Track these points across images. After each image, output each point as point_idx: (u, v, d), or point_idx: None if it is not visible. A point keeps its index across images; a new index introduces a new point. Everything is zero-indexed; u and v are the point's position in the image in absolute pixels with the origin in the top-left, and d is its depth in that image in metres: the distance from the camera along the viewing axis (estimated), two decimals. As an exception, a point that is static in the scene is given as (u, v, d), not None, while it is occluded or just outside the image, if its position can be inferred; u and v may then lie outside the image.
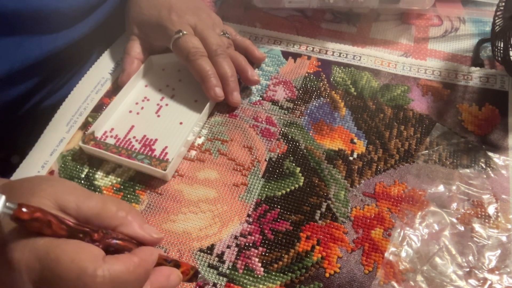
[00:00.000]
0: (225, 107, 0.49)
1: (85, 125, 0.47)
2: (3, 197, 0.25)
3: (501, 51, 0.48)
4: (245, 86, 0.51)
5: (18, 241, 0.26)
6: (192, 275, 0.33)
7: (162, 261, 0.31)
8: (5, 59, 0.42)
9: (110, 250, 0.29)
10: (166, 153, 0.44)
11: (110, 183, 0.43)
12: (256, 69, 0.53)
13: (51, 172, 0.44)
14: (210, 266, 0.37)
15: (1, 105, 0.45)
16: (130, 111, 0.48)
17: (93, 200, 0.30)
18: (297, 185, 0.42)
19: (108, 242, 0.29)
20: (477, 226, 0.39)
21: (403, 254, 0.37)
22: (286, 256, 0.38)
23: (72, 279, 0.25)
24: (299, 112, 0.48)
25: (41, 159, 0.44)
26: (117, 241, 0.29)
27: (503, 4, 0.48)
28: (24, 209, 0.25)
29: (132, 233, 0.30)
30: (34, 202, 0.27)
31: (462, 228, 0.39)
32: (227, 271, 0.37)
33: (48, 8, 0.43)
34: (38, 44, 0.44)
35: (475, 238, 0.38)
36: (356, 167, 0.44)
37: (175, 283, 0.31)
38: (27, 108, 0.48)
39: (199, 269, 0.36)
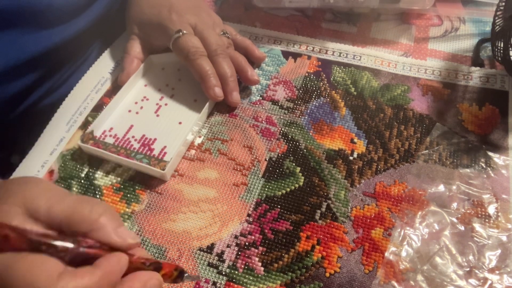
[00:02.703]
0: (225, 107, 0.49)
1: (85, 125, 0.47)
2: None
3: (501, 51, 0.48)
4: (245, 85, 0.51)
5: None
6: (176, 276, 0.31)
7: (140, 265, 0.29)
8: (1, 55, 0.42)
9: (79, 260, 0.27)
10: (165, 153, 0.44)
11: (110, 183, 0.43)
12: (256, 68, 0.53)
13: (51, 172, 0.44)
14: (210, 265, 0.37)
15: None
16: (130, 111, 0.48)
17: (65, 203, 0.28)
18: (297, 185, 0.42)
19: (75, 251, 0.27)
20: (477, 226, 0.39)
21: (403, 253, 0.37)
22: (286, 255, 0.38)
23: None
24: (299, 111, 0.48)
25: (41, 158, 0.44)
26: (85, 249, 0.27)
27: (503, 4, 0.48)
28: None
29: (103, 239, 0.28)
30: (3, 211, 0.26)
31: (462, 228, 0.39)
32: (227, 270, 0.37)
33: (42, 3, 0.43)
34: (34, 40, 0.44)
35: (475, 238, 0.38)
36: (356, 166, 0.44)
37: None
38: (26, 106, 0.48)
39: (185, 269, 0.33)
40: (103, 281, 0.26)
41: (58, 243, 0.26)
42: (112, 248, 0.28)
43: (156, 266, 0.30)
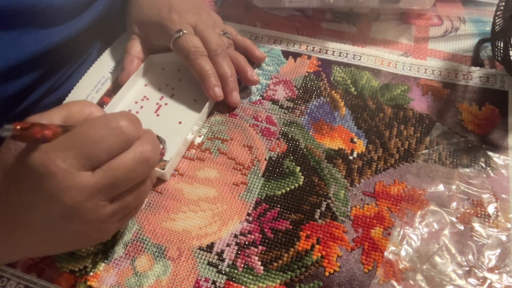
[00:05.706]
0: (225, 107, 0.49)
1: (85, 124, 0.47)
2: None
3: (501, 51, 0.48)
4: (245, 85, 0.51)
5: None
6: None
7: None
8: (1, 54, 0.42)
9: None
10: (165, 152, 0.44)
11: (110, 182, 0.43)
12: (257, 68, 0.53)
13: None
14: (210, 264, 0.37)
15: None
16: (130, 110, 0.48)
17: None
18: (297, 184, 0.42)
19: None
20: (476, 225, 0.39)
21: (402, 253, 0.37)
22: (286, 255, 0.38)
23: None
24: (299, 111, 0.48)
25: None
26: None
27: (503, 4, 0.48)
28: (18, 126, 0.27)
29: None
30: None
31: (461, 227, 0.39)
32: (227, 269, 0.37)
33: (42, 3, 0.43)
34: (34, 40, 0.44)
35: (474, 237, 0.38)
36: (356, 166, 0.44)
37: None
38: (26, 106, 0.48)
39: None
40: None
41: None
42: None
43: None
